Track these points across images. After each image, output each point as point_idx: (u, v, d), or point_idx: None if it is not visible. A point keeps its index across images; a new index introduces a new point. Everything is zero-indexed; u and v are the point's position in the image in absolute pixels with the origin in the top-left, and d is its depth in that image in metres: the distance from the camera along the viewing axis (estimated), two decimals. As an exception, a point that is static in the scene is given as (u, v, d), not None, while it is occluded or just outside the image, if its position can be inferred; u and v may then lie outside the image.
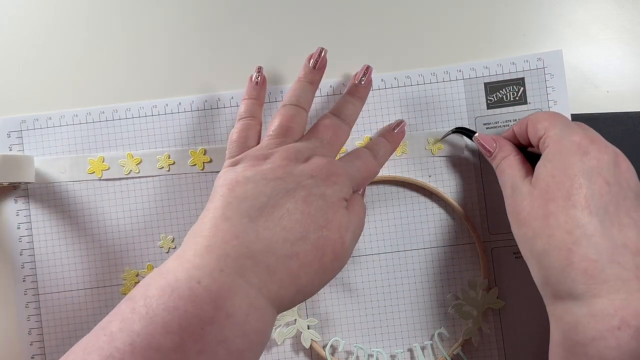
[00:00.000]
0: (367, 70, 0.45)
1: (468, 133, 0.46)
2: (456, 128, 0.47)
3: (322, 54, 0.44)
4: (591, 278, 0.35)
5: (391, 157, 0.48)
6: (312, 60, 0.44)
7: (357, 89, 0.45)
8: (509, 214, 0.40)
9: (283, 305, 0.36)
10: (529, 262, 0.39)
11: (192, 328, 0.31)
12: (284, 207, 0.36)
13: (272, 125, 0.41)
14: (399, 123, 0.47)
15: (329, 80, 0.48)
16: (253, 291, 0.34)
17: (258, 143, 0.42)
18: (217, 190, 0.38)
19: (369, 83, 0.46)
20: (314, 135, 0.42)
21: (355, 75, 0.45)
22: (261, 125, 0.44)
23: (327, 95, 0.48)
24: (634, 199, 0.37)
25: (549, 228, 0.36)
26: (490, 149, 0.43)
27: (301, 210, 0.36)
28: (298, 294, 0.36)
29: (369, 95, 0.48)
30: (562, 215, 0.36)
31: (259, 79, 0.45)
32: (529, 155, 0.43)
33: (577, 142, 0.38)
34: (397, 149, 0.48)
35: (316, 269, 0.36)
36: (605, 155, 0.38)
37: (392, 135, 0.46)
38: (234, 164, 0.39)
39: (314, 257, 0.36)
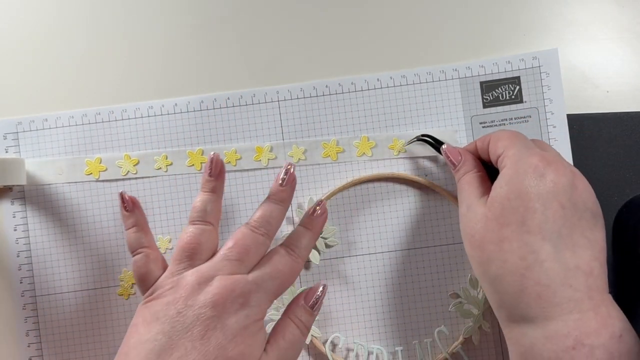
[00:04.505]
0: (289, 169, 0.42)
1: (435, 143, 0.46)
2: (422, 135, 0.46)
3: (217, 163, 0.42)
4: (544, 302, 0.35)
5: (389, 156, 0.48)
6: (207, 172, 0.41)
7: (277, 192, 0.42)
8: (462, 232, 0.40)
9: None
10: (482, 283, 0.38)
11: None
12: (182, 348, 0.34)
13: (176, 248, 0.39)
14: (319, 203, 0.43)
15: (325, 81, 0.48)
16: None
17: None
18: (128, 330, 0.36)
19: (291, 182, 0.42)
20: (222, 252, 0.39)
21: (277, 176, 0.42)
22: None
23: (323, 95, 0.48)
24: (591, 218, 0.37)
25: (503, 253, 0.36)
26: (456, 162, 0.43)
27: (198, 349, 0.34)
28: None
29: (365, 96, 0.48)
30: (516, 241, 0.36)
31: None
32: (492, 171, 0.42)
33: (534, 165, 0.37)
34: (394, 148, 0.47)
35: None
36: (562, 177, 0.37)
37: (312, 221, 0.43)
38: (150, 294, 0.38)
39: None
